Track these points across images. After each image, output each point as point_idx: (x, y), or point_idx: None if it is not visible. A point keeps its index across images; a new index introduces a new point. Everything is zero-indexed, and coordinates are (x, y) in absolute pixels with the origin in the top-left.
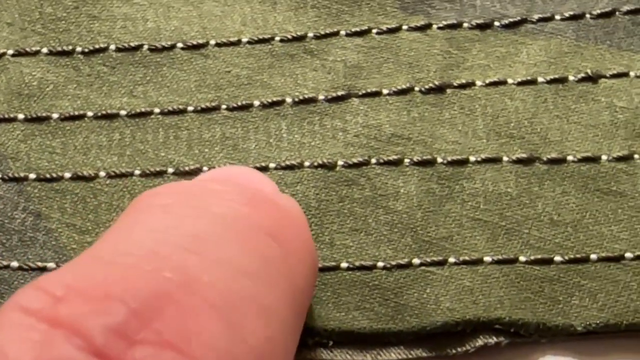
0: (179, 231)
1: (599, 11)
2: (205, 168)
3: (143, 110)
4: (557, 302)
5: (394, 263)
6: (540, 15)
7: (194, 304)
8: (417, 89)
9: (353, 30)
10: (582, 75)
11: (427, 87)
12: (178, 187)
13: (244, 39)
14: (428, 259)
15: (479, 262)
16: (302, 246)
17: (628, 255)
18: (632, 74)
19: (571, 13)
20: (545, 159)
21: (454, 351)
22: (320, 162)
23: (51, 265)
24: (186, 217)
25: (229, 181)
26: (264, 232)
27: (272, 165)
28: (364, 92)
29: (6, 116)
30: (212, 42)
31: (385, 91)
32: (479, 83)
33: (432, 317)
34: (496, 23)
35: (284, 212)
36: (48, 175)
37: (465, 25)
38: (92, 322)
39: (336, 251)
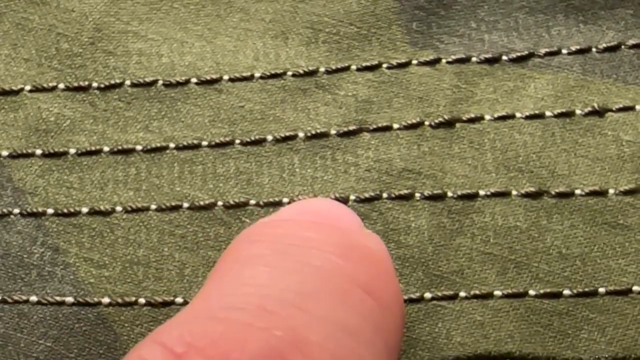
0: (283, 286)
1: (605, 45)
2: (219, 203)
3: (158, 145)
4: (567, 336)
5: (405, 297)
6: (547, 50)
7: None
8: (427, 123)
9: (364, 65)
10: (589, 109)
11: (436, 121)
12: (274, 235)
13: (257, 74)
14: (439, 293)
15: (489, 296)
16: (393, 298)
17: (636, 288)
18: (638, 107)
19: (578, 47)
20: (553, 192)
21: None
22: (333, 197)
23: (69, 299)
24: (288, 271)
25: (321, 223)
26: (360, 287)
27: (285, 200)
28: (375, 126)
29: (24, 152)
30: (226, 77)
31: (395, 125)
32: (487, 117)
33: (444, 352)
34: (504, 57)
35: (376, 260)
36: (66, 210)
37: (474, 59)
38: None
39: None
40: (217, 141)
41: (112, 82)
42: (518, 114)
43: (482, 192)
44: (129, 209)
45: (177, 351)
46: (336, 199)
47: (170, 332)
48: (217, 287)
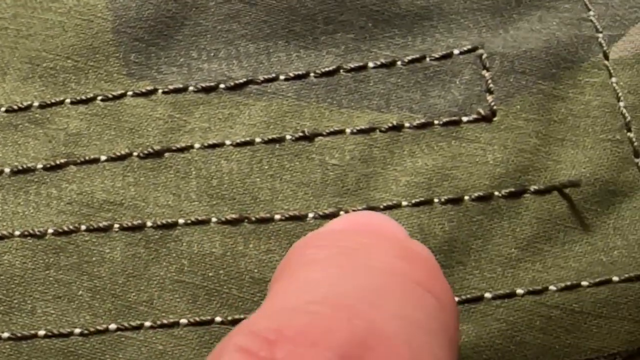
0: (354, 284)
1: (323, 70)
2: None
3: None
4: None
5: (92, 329)
6: (265, 76)
7: (388, 355)
8: (135, 154)
9: (78, 98)
10: (299, 134)
11: (145, 152)
12: (335, 240)
13: None
14: (125, 324)
15: (175, 324)
16: (449, 297)
17: None
18: (348, 130)
19: (296, 73)
20: (253, 218)
21: None
22: (31, 231)
23: None
24: (356, 272)
25: (374, 231)
26: (422, 286)
27: None
28: (82, 159)
29: None
30: None
31: (103, 157)
32: (197, 146)
33: None
34: (221, 85)
35: (428, 261)
36: None
37: (191, 88)
38: None
39: (36, 319)
40: None
41: None
42: (228, 142)
43: (181, 221)
44: None
45: (270, 338)
46: (34, 233)
47: (259, 323)
48: (290, 286)
